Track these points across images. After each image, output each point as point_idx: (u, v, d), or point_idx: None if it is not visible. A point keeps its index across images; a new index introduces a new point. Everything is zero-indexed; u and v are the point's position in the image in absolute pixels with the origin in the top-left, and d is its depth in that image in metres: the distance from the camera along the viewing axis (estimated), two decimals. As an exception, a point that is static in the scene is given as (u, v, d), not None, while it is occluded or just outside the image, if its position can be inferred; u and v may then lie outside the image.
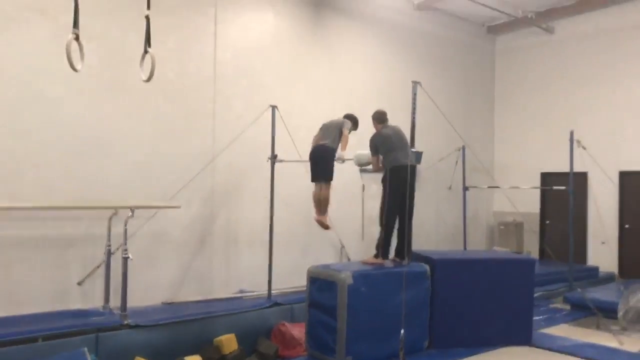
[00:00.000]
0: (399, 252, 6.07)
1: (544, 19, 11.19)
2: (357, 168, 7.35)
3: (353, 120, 6.89)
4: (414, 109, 6.34)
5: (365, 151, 6.65)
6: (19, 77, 6.32)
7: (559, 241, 11.00)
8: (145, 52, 3.84)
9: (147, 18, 3.86)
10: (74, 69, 3.56)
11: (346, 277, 5.28)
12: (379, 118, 6.50)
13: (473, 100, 12.20)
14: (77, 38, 3.55)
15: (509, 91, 12.54)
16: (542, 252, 11.57)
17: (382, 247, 5.91)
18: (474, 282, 6.08)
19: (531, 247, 11.75)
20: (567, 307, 8.43)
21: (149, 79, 3.83)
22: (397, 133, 6.28)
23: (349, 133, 6.66)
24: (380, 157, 6.31)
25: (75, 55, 3.60)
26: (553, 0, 10.64)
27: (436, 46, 11.31)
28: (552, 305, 8.60)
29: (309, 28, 9.21)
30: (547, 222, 11.91)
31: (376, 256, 5.96)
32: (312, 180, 6.71)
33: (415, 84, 6.50)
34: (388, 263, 5.98)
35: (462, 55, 11.91)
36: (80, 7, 3.80)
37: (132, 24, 6.85)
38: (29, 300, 6.34)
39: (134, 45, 6.71)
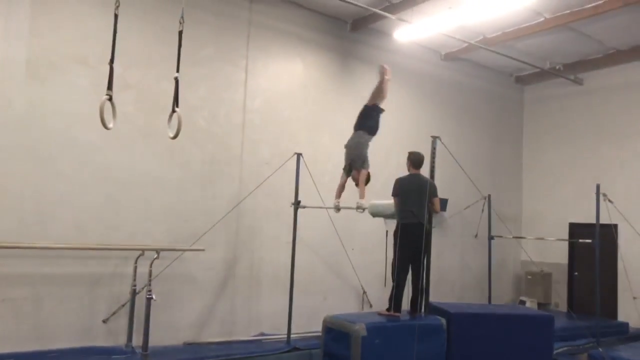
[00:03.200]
0: (414, 305, 6.11)
1: (572, 70, 11.22)
2: None
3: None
4: (432, 163, 6.44)
5: (380, 201, 6.79)
6: (58, 123, 6.73)
7: (587, 294, 10.75)
8: (173, 111, 4.10)
9: (176, 79, 4.14)
10: (106, 128, 3.85)
11: (360, 329, 5.35)
12: (414, 161, 6.56)
13: (501, 148, 12.22)
14: (110, 99, 3.85)
15: (537, 140, 12.50)
16: (570, 304, 11.32)
17: (394, 300, 6.00)
18: (491, 337, 6.06)
19: (560, 298, 11.51)
20: (593, 365, 8.20)
21: (175, 137, 4.08)
22: (419, 186, 6.32)
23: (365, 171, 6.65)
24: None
25: (108, 114, 3.90)
26: (581, 53, 10.68)
27: (464, 95, 11.45)
28: (576, 362, 8.39)
29: (336, 77, 9.50)
30: (576, 273, 11.67)
31: (388, 309, 6.04)
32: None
33: (434, 138, 6.62)
34: (403, 315, 6.03)
35: (490, 104, 12.00)
36: (117, 58, 4.14)
37: (165, 74, 7.22)
38: (57, 336, 6.60)
39: (167, 94, 7.06)
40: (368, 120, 6.79)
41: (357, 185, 6.71)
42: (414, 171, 6.53)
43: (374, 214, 7.14)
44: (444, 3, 8.32)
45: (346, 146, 6.90)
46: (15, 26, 6.50)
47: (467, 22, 9.01)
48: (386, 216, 7.26)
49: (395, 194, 6.47)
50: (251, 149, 8.39)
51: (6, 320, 6.31)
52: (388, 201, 6.94)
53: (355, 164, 6.70)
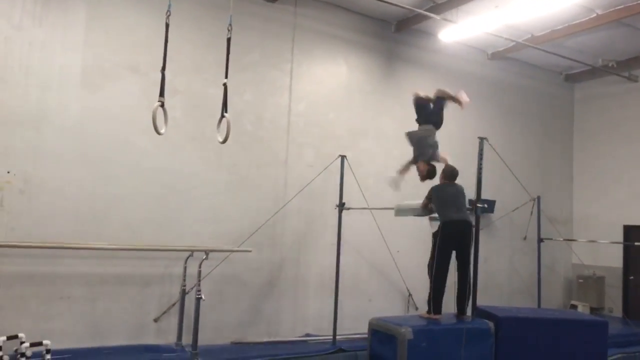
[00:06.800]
0: (460, 307, 6.03)
1: (626, 67, 10.82)
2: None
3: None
4: (480, 165, 6.35)
5: (406, 202, 6.80)
6: (111, 128, 6.99)
7: (644, 299, 10.38)
8: (222, 116, 4.20)
9: (225, 86, 4.24)
10: (158, 133, 3.98)
11: (406, 332, 5.32)
12: (447, 174, 6.52)
13: (551, 148, 11.89)
14: (162, 105, 3.98)
15: (588, 140, 12.10)
16: (625, 309, 10.92)
17: (433, 302, 5.92)
18: (541, 342, 5.90)
19: (614, 303, 11.12)
20: (650, 373, 7.91)
21: (224, 141, 4.18)
22: (457, 192, 6.32)
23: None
24: (432, 205, 6.45)
25: (160, 119, 4.04)
26: (636, 49, 10.28)
27: (511, 95, 11.21)
28: (633, 370, 8.09)
29: (381, 79, 9.48)
30: (631, 277, 11.24)
31: (429, 312, 5.97)
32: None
33: (481, 139, 6.53)
34: (449, 318, 5.96)
35: (538, 103, 11.69)
36: (167, 65, 4.26)
37: (213, 80, 7.43)
38: (110, 333, 6.86)
39: (214, 99, 7.24)
40: (432, 116, 6.87)
41: (421, 179, 6.66)
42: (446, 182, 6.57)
43: (400, 214, 7.14)
44: (490, 2, 8.18)
45: (411, 136, 6.92)
46: (72, 37, 6.81)
47: (514, 21, 8.83)
48: (413, 213, 7.19)
49: (428, 198, 6.47)
50: (296, 152, 8.47)
51: (64, 317, 6.60)
52: (415, 201, 6.91)
53: (423, 157, 6.71)
